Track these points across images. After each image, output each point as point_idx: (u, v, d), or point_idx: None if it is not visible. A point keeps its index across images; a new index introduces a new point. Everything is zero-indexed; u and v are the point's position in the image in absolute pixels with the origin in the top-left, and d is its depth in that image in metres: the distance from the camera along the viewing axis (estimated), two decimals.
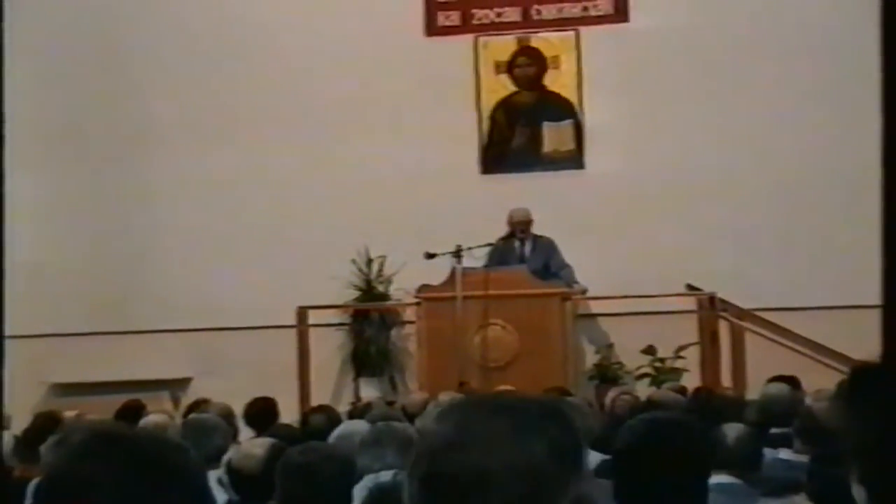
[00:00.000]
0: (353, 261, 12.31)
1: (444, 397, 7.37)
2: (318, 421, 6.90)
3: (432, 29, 12.85)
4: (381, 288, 12.39)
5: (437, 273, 10.44)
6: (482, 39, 12.77)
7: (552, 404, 1.76)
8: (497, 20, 12.80)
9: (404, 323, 12.19)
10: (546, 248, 11.28)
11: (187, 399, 10.93)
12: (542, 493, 1.59)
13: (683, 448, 3.20)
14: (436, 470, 1.60)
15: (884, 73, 1.15)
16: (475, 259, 10.42)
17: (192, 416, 7.10)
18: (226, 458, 5.10)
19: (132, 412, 8.30)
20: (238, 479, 4.75)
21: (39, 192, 11.65)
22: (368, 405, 8.58)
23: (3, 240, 1.43)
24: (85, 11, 13.04)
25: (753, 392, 8.62)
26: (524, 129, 12.70)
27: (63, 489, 1.64)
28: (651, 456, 3.18)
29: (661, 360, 11.30)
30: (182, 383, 12.46)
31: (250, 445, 4.92)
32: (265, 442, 4.93)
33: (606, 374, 11.52)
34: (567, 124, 12.60)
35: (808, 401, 6.90)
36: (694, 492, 3.24)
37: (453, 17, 12.85)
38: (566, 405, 1.73)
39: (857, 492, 3.32)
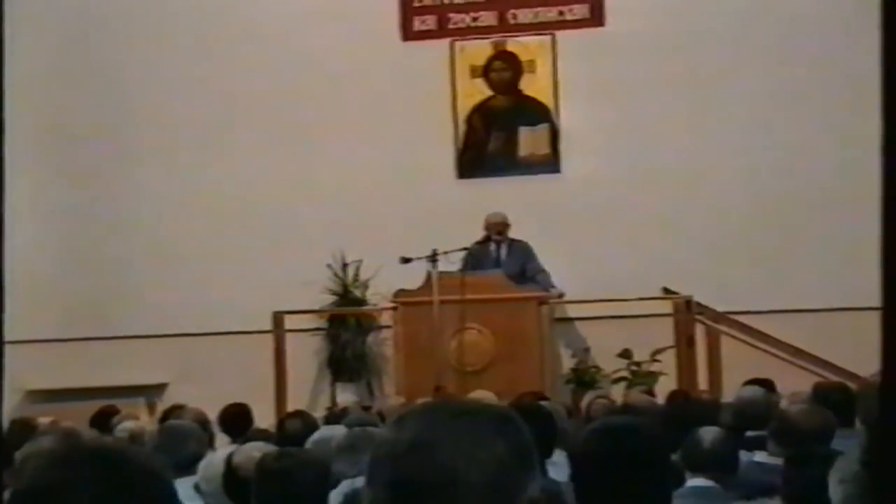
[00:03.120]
0: (329, 265, 12.30)
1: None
2: (295, 426, 6.87)
3: (408, 33, 12.85)
4: (357, 293, 12.39)
5: (413, 277, 10.42)
6: (458, 44, 12.78)
7: (504, 409, 1.79)
8: (473, 24, 12.80)
9: (381, 328, 12.19)
10: (522, 252, 11.28)
11: (163, 405, 10.89)
12: (505, 492, 1.60)
13: (640, 454, 3.20)
14: (401, 474, 1.60)
15: (884, 73, 1.15)
16: (451, 263, 10.40)
17: (167, 422, 7.07)
18: (222, 459, 5.04)
19: (107, 418, 8.26)
20: (233, 480, 4.71)
21: (15, 199, 11.57)
22: (345, 410, 8.56)
23: (3, 248, 1.42)
24: (75, 20, 13.00)
25: (729, 395, 8.64)
26: (500, 133, 12.71)
27: (30, 502, 1.64)
28: (606, 462, 3.18)
29: (638, 364, 11.32)
30: (158, 389, 12.41)
31: (250, 448, 4.88)
32: (265, 447, 4.90)
33: (583, 378, 11.53)
34: (543, 128, 12.62)
35: (783, 403, 6.93)
36: (654, 498, 3.24)
37: (429, 22, 12.85)
38: (515, 411, 1.76)
39: (834, 493, 3.33)
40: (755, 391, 6.97)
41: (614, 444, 3.22)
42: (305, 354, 12.09)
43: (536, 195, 12.19)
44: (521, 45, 12.73)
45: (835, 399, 6.12)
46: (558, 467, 5.24)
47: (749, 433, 6.07)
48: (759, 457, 5.47)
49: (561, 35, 12.62)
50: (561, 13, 12.65)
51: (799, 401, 6.32)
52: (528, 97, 12.70)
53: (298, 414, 7.67)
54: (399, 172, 12.32)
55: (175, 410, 8.35)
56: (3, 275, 1.45)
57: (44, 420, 7.89)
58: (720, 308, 11.53)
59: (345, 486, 4.76)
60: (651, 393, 8.94)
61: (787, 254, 11.80)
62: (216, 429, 7.66)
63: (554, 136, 12.58)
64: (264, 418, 8.75)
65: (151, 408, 12.01)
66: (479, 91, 12.76)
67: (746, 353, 11.17)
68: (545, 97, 12.64)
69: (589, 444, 3.28)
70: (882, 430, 1.25)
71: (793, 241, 11.81)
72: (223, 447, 6.02)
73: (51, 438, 5.38)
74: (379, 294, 11.91)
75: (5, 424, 7.13)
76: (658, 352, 11.21)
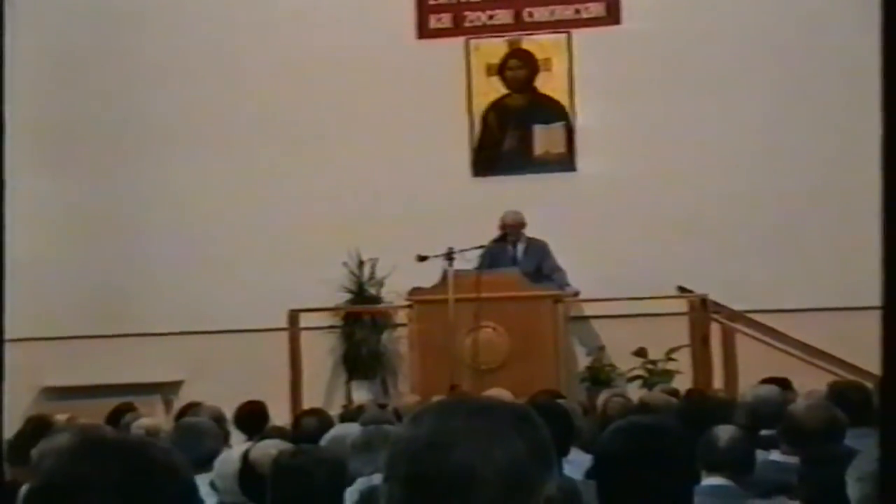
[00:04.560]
0: (345, 263, 12.30)
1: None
2: (310, 424, 6.89)
3: (424, 31, 12.85)
4: (372, 290, 12.38)
5: (428, 275, 10.43)
6: (473, 42, 12.77)
7: (521, 407, 1.80)
8: (489, 23, 12.80)
9: (396, 325, 12.18)
10: (538, 250, 11.28)
11: (179, 402, 10.91)
12: (522, 490, 1.60)
13: (662, 453, 3.20)
14: (418, 470, 1.61)
15: (884, 73, 1.15)
16: (467, 261, 10.41)
17: (183, 419, 7.08)
18: (238, 456, 5.05)
19: (123, 415, 8.28)
20: (249, 477, 4.72)
21: (32, 196, 11.62)
22: (360, 408, 8.57)
23: (4, 248, 1.43)
24: (83, 15, 13.03)
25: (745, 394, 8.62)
26: (515, 131, 12.70)
27: (52, 495, 1.64)
28: (630, 461, 3.19)
29: (653, 363, 11.30)
30: (174, 386, 12.44)
31: (266, 445, 4.89)
32: (281, 444, 4.91)
33: (598, 377, 11.51)
34: (558, 127, 12.61)
35: (799, 402, 6.91)
36: (676, 496, 3.24)
37: (445, 20, 12.85)
38: (533, 409, 1.76)
39: (852, 491, 3.32)
40: (770, 390, 6.95)
41: (639, 442, 3.23)
42: (321, 352, 12.11)
43: (552, 194, 12.18)
44: (537, 44, 12.72)
45: (851, 398, 6.11)
46: (574, 465, 5.25)
47: (764, 432, 6.06)
48: (775, 455, 5.46)
49: (577, 33, 12.60)
50: (577, 11, 12.63)
51: (809, 400, 6.31)
52: (543, 95, 12.69)
53: (314, 412, 7.69)
54: (414, 170, 12.32)
55: (191, 408, 8.37)
56: (4, 275, 1.45)
57: (60, 417, 7.91)
58: (735, 307, 11.51)
59: (361, 484, 4.76)
60: (675, 393, 8.91)
61: (803, 252, 11.77)
62: (232, 426, 7.67)
63: (569, 134, 12.57)
64: (280, 416, 8.77)
65: (168, 405, 12.04)
66: (494, 89, 12.76)
67: (762, 352, 11.15)
68: (561, 95, 12.62)
69: (613, 443, 3.29)
70: (882, 429, 1.26)
71: (808, 239, 11.78)
72: (239, 444, 6.03)
73: (72, 433, 5.39)
74: (394, 292, 11.91)
75: (21, 422, 7.15)
76: (673, 350, 11.20)
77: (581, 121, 12.50)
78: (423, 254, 9.99)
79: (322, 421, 6.99)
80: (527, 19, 12.75)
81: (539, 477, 1.63)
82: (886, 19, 1.16)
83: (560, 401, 7.03)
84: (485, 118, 12.72)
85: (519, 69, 12.75)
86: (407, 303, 11.10)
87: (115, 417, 8.40)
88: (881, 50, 1.16)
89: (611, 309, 11.33)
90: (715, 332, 11.31)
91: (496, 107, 12.74)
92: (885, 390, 1.23)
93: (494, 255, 11.07)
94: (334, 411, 9.18)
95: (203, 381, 11.66)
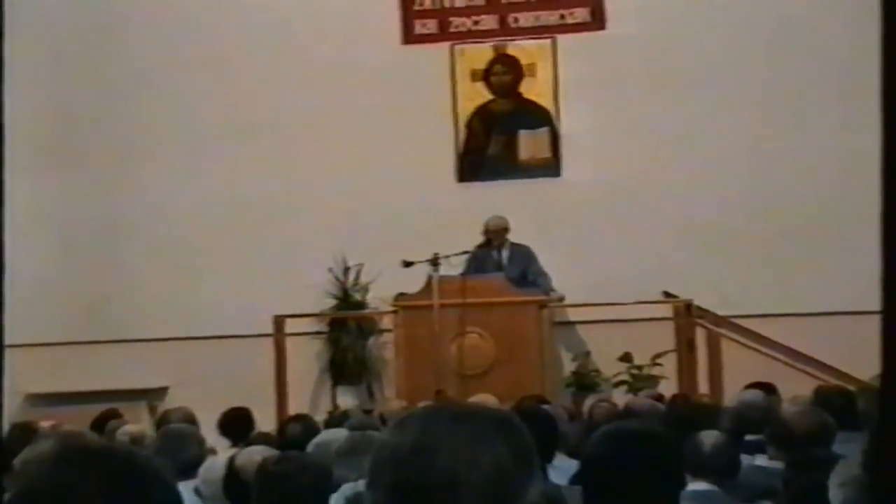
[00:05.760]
0: (330, 269, 12.29)
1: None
2: (296, 430, 6.87)
3: (409, 37, 12.85)
4: (357, 296, 12.38)
5: (413, 281, 10.42)
6: (458, 47, 12.77)
7: (504, 413, 1.81)
8: (474, 28, 12.80)
9: (381, 331, 12.17)
10: (523, 255, 11.27)
11: (164, 408, 10.88)
12: (505, 495, 1.60)
13: (649, 458, 3.20)
14: (402, 477, 1.61)
15: (884, 73, 1.15)
16: (452, 267, 10.41)
17: (167, 426, 7.06)
18: (223, 463, 5.03)
19: (108, 422, 8.25)
20: (234, 484, 4.71)
21: (15, 201, 11.57)
22: (346, 414, 8.55)
23: (3, 249, 1.42)
24: (77, 20, 13.00)
25: (730, 399, 8.63)
26: (500, 136, 12.70)
27: (34, 503, 1.63)
28: (616, 466, 3.19)
29: (639, 368, 11.30)
30: (159, 393, 12.41)
31: (251, 452, 4.88)
32: (266, 450, 4.89)
33: (584, 382, 11.52)
34: (543, 132, 12.62)
35: (784, 406, 6.92)
36: (661, 502, 3.24)
37: (430, 25, 12.84)
38: (516, 415, 1.76)
39: (835, 496, 3.33)
40: (755, 395, 6.97)
41: (625, 448, 3.23)
42: (306, 358, 12.09)
43: (537, 199, 12.19)
44: (522, 49, 12.73)
45: (836, 402, 6.12)
46: (559, 471, 5.24)
47: (749, 437, 6.07)
48: (760, 460, 5.46)
49: (562, 38, 12.61)
50: (562, 17, 12.65)
51: (798, 404, 6.32)
52: (528, 101, 12.69)
53: (299, 418, 7.67)
54: (400, 176, 12.30)
55: (167, 414, 8.34)
56: (4, 276, 1.45)
57: (44, 424, 7.88)
58: (720, 312, 11.52)
59: (346, 490, 4.75)
60: (660, 398, 8.91)
61: (788, 257, 11.79)
62: (216, 432, 7.66)
63: (554, 139, 12.58)
64: (265, 422, 8.75)
65: (153, 411, 12.00)
66: (479, 94, 12.76)
67: (747, 357, 11.17)
68: (546, 101, 12.63)
69: (599, 448, 3.29)
70: (882, 430, 1.25)
71: (793, 244, 11.79)
72: (224, 451, 6.02)
73: (55, 440, 5.37)
74: (380, 298, 11.90)
75: (5, 428, 7.12)
76: (659, 356, 11.20)
77: (566, 126, 12.51)
78: (409, 259, 9.98)
79: (307, 427, 6.97)
80: (512, 25, 12.75)
81: (523, 483, 1.63)
82: (886, 20, 1.16)
83: (545, 406, 7.03)
84: (470, 123, 12.72)
85: (504, 74, 12.76)
86: (392, 308, 11.09)
87: (100, 424, 8.37)
88: (881, 51, 1.16)
89: (596, 314, 11.33)
90: (700, 337, 11.32)
91: (481, 112, 12.74)
92: (885, 392, 1.23)
93: (480, 261, 11.07)
94: (320, 417, 9.16)
95: (188, 387, 11.63)
